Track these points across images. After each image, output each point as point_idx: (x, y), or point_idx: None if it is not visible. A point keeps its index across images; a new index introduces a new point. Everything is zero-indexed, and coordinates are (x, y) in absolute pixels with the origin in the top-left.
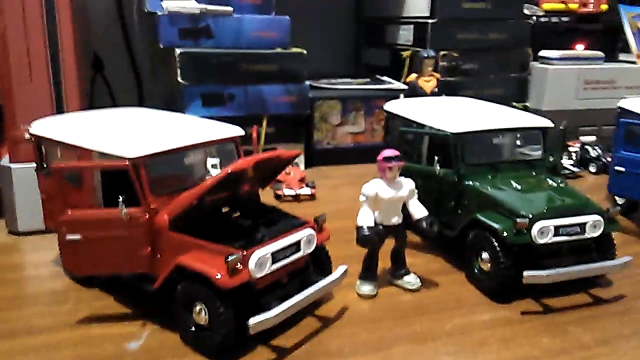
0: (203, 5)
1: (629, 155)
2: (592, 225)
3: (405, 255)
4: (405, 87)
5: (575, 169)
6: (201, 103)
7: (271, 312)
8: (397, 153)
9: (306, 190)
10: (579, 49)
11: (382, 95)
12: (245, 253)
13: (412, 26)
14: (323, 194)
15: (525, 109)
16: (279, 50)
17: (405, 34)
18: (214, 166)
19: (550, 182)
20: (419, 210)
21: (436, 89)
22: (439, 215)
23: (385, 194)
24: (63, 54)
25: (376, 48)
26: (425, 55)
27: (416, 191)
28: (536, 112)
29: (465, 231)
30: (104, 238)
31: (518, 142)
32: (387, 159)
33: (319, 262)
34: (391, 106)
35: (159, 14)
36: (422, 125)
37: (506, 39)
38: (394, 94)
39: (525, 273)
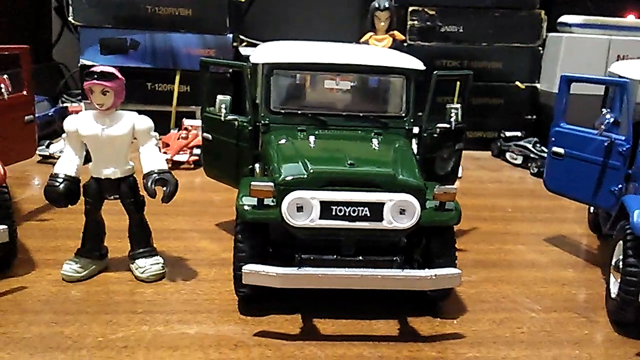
0: None
1: (572, 131)
2: (396, 208)
3: (143, 229)
4: None
5: None
6: (99, 49)
7: None
8: (110, 70)
9: (183, 157)
10: (631, 19)
11: None
12: None
13: None
14: None
15: (529, 90)
16: None
17: None
18: None
19: (371, 144)
20: (148, 162)
21: None
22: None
23: (86, 130)
24: None
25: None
26: (377, 6)
27: (153, 134)
28: (547, 94)
29: None
30: None
31: (376, 92)
32: (88, 75)
33: None
34: (257, 50)
35: None
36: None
37: None
38: None
39: (246, 267)
